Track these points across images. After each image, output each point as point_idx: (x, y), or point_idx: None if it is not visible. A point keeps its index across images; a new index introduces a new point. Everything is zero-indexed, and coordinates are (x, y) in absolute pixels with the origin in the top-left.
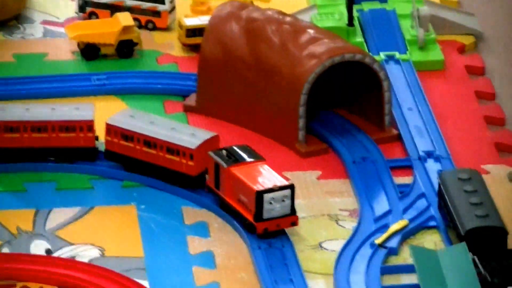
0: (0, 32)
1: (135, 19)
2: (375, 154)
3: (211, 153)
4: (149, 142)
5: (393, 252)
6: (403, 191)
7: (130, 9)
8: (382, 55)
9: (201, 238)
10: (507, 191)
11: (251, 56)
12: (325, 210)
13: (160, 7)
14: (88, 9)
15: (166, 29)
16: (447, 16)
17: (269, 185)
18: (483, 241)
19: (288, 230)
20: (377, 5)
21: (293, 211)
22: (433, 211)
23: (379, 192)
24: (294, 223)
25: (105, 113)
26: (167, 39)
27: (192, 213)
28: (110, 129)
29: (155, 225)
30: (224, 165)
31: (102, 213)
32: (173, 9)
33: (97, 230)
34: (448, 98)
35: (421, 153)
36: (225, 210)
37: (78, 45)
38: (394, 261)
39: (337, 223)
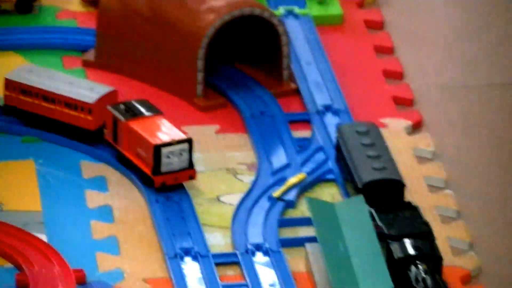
0: None
1: None
2: (274, 108)
3: (109, 107)
4: (48, 97)
5: (291, 205)
6: (302, 144)
7: None
8: (281, 10)
9: (99, 192)
10: (404, 144)
11: (150, 10)
12: (223, 163)
13: None
14: None
15: None
16: None
17: (167, 139)
18: (380, 193)
19: (186, 183)
20: None
21: (191, 164)
22: (331, 164)
23: (277, 146)
24: (192, 177)
25: (4, 68)
26: None
27: (91, 167)
28: (9, 84)
29: (53, 180)
30: (122, 119)
31: (0, 168)
32: None
33: None
34: (347, 52)
35: (320, 107)
36: (123, 164)
37: None
38: (292, 213)
39: (235, 177)
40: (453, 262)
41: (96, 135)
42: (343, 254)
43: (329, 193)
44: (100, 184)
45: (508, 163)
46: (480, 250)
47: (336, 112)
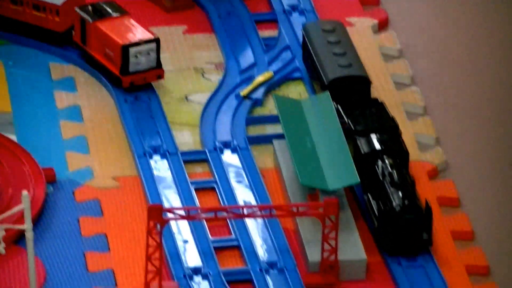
0: None
1: None
2: (240, 8)
3: (77, 9)
4: None
5: (258, 103)
6: (268, 44)
7: None
8: None
9: (69, 92)
10: (370, 42)
11: None
12: (191, 63)
13: None
14: None
15: None
16: None
17: (134, 39)
18: (347, 90)
19: (154, 83)
20: None
21: (159, 64)
22: (298, 62)
23: (245, 46)
24: (160, 76)
25: None
26: None
27: (60, 69)
28: None
29: (23, 81)
30: (90, 20)
31: None
32: None
33: None
34: None
35: (286, 7)
36: (91, 65)
37: None
38: (259, 111)
39: (203, 76)
40: (420, 157)
41: (64, 37)
42: (310, 150)
43: (296, 91)
44: (69, 85)
45: (474, 56)
46: (446, 145)
47: (302, 12)
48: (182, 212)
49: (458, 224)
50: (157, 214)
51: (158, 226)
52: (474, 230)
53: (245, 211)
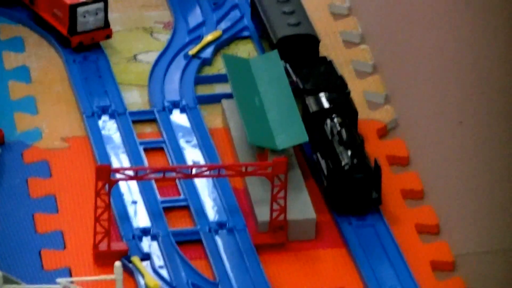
0: None
1: None
2: None
3: None
4: None
5: (207, 62)
6: (216, 2)
7: None
8: None
9: (16, 53)
10: (319, 1)
11: None
12: (139, 23)
13: None
14: None
15: None
16: None
17: None
18: (295, 49)
19: (102, 43)
20: None
21: (107, 24)
22: (246, 21)
23: (193, 4)
24: (109, 36)
25: None
26: None
27: (7, 29)
28: None
29: None
30: None
31: None
32: None
33: None
34: None
35: None
36: (40, 25)
37: None
38: (208, 71)
39: (152, 36)
40: (369, 115)
41: None
42: (259, 108)
43: (245, 49)
44: (17, 45)
45: (424, 12)
46: (396, 103)
47: None
48: (130, 173)
49: (408, 183)
50: (105, 175)
51: (107, 186)
52: (424, 188)
53: (194, 171)
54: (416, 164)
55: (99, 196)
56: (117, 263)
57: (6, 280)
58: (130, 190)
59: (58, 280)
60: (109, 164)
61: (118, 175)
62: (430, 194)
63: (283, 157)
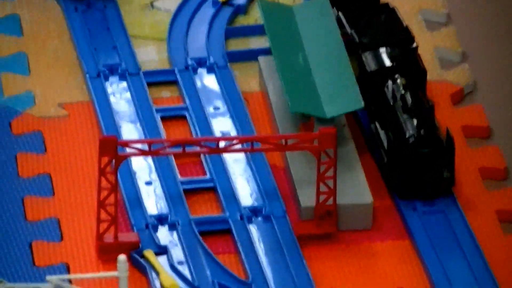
0: None
1: None
2: None
3: None
4: None
5: (241, 10)
6: None
7: None
8: None
9: (6, 1)
10: None
11: None
12: None
13: None
14: None
15: None
16: None
17: None
18: None
19: None
20: None
21: None
22: None
23: None
24: None
25: None
26: None
27: None
28: None
29: None
30: None
31: None
32: None
33: None
34: None
35: None
36: None
37: None
38: (242, 21)
39: None
40: (441, 76)
41: None
42: (303, 68)
43: None
44: None
45: None
46: (474, 62)
47: None
48: (142, 146)
49: (488, 160)
50: (111, 149)
51: (113, 163)
52: (508, 166)
53: (222, 144)
54: (498, 137)
55: (103, 175)
56: (121, 257)
57: None
58: (143, 169)
59: (48, 277)
60: (116, 136)
61: (127, 150)
62: None
63: (331, 127)
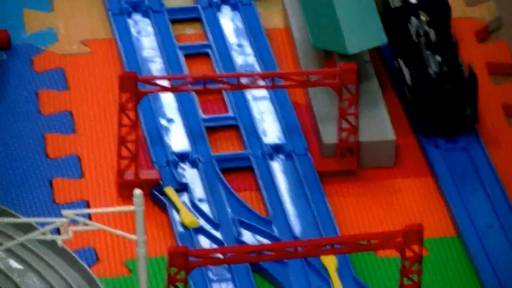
0: None
1: None
2: None
3: None
4: None
5: None
6: None
7: None
8: None
9: None
10: None
11: None
12: None
13: None
14: None
15: None
16: None
17: None
18: None
19: None
20: None
21: None
22: None
23: None
24: None
25: None
26: None
27: None
28: None
29: None
30: None
31: None
32: None
33: None
34: None
35: None
36: None
37: None
38: None
39: None
40: (465, 12)
41: None
42: (326, 3)
43: None
44: None
45: None
46: None
47: None
48: (163, 82)
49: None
50: (131, 85)
51: (134, 100)
52: None
53: (243, 81)
54: None
55: (123, 111)
56: (137, 191)
57: (2, 213)
58: (165, 106)
59: (64, 212)
60: (136, 72)
61: (148, 86)
62: None
63: (353, 63)
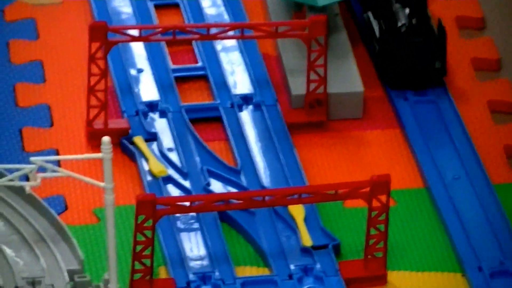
0: None
1: None
2: None
3: None
4: None
5: None
6: None
7: None
8: None
9: None
10: None
11: None
12: None
13: None
14: None
15: None
16: None
17: None
18: None
19: None
20: None
21: None
22: None
23: None
24: None
25: None
26: None
27: None
28: None
29: None
30: None
31: None
32: None
33: None
34: None
35: None
36: None
37: None
38: None
39: None
40: None
41: None
42: None
43: None
44: None
45: None
46: None
47: None
48: (133, 32)
49: (481, 51)
50: (101, 34)
51: (103, 49)
52: (502, 57)
53: (213, 31)
54: (492, 28)
55: (93, 61)
56: (105, 138)
57: None
58: (135, 56)
59: (33, 159)
60: (106, 22)
61: (118, 36)
62: (509, 65)
63: (323, 15)
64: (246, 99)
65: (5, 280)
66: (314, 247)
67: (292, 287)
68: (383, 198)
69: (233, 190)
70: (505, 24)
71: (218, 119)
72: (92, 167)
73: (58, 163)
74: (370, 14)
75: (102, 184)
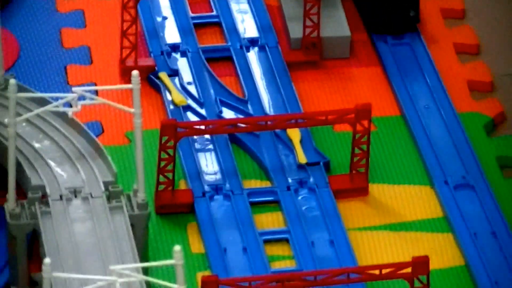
0: None
1: None
2: None
3: None
4: None
5: None
6: None
7: None
8: None
9: None
10: None
11: None
12: None
13: None
14: None
15: None
16: None
17: None
18: None
19: None
20: None
21: None
22: None
23: None
24: None
25: None
26: None
27: None
28: None
29: None
30: None
31: None
32: None
33: None
34: None
35: None
36: None
37: None
38: None
39: None
40: None
41: None
42: None
43: None
44: None
45: None
46: None
47: None
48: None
49: (447, 1)
50: None
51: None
52: (466, 7)
53: None
54: None
55: (125, 9)
56: (135, 72)
57: (20, 89)
58: (160, 6)
59: (74, 89)
60: None
61: None
62: (471, 14)
63: None
64: (252, 42)
65: (51, 190)
66: (308, 164)
67: (290, 196)
68: (366, 123)
69: (241, 116)
70: None
71: (229, 58)
72: (125, 96)
73: (96, 92)
74: None
75: (132, 109)
